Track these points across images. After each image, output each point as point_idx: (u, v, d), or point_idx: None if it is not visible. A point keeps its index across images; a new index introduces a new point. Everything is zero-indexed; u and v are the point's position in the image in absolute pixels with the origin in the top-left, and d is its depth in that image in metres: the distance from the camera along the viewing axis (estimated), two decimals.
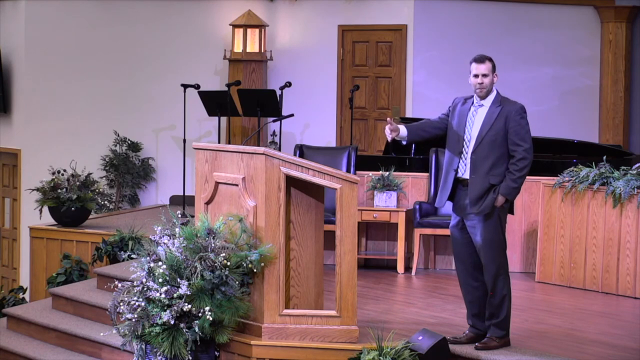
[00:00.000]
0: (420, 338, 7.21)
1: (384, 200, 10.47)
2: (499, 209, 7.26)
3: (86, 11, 14.05)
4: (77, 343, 9.00)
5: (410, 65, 13.74)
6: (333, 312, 7.49)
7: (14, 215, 14.33)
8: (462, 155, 7.32)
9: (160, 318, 7.22)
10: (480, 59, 7.29)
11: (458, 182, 7.36)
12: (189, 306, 7.21)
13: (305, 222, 7.61)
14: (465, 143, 7.30)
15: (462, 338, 7.49)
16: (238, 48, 13.93)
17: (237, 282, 7.31)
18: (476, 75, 7.27)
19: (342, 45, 14.12)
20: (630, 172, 9.53)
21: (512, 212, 7.46)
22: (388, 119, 7.40)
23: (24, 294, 11.19)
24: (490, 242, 7.27)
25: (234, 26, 13.97)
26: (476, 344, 7.37)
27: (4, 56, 14.25)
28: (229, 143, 13.50)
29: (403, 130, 7.38)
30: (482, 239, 7.27)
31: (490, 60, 7.31)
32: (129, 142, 14.08)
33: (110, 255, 10.63)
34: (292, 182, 7.51)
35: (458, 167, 7.33)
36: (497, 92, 7.35)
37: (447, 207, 10.05)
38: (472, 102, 7.35)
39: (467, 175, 7.29)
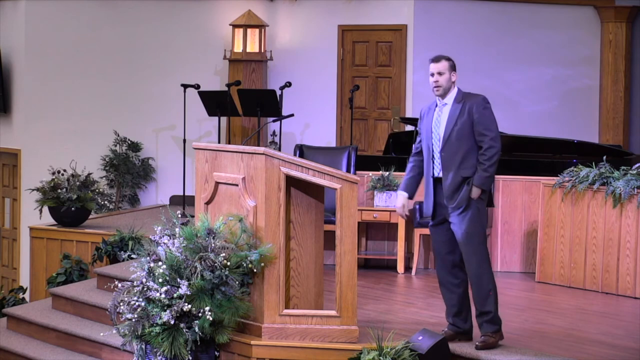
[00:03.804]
0: (420, 338, 7.22)
1: (384, 200, 10.47)
2: (477, 201, 7.31)
3: (86, 11, 14.05)
4: (77, 343, 9.01)
5: (410, 65, 13.74)
6: (333, 312, 7.50)
7: (14, 215, 14.34)
8: (435, 157, 7.40)
9: (160, 318, 7.22)
10: (436, 59, 7.39)
11: (436, 183, 7.42)
12: (189, 306, 7.21)
13: (305, 222, 7.61)
14: (436, 143, 7.39)
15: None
16: (238, 48, 13.93)
17: (237, 282, 7.32)
18: (432, 74, 7.37)
19: (342, 45, 14.12)
20: (630, 172, 9.53)
21: (492, 205, 7.51)
22: (405, 215, 7.58)
23: (24, 294, 11.19)
24: (470, 236, 7.30)
25: (234, 26, 13.97)
26: (476, 343, 7.36)
27: (4, 56, 14.25)
28: (229, 143, 13.51)
29: (408, 202, 7.57)
30: (462, 233, 7.31)
31: (448, 59, 7.38)
32: (129, 142, 14.08)
33: (110, 255, 10.63)
34: (292, 182, 7.51)
35: (433, 169, 7.42)
36: (459, 89, 7.42)
37: None
38: (436, 105, 7.45)
39: (441, 174, 7.36)
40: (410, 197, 7.60)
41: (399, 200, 7.59)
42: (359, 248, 10.63)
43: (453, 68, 7.38)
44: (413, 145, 7.75)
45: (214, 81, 14.17)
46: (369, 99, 14.03)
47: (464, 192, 7.29)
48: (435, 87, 7.37)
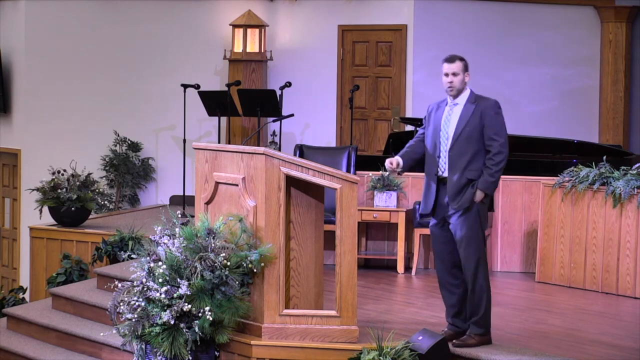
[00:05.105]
0: (420, 338, 7.22)
1: (384, 200, 10.47)
2: (479, 204, 7.32)
3: (86, 11, 14.06)
4: (77, 343, 9.01)
5: (410, 65, 13.74)
6: (333, 312, 7.50)
7: (14, 215, 14.34)
8: (441, 155, 7.39)
9: (160, 318, 7.22)
10: (450, 59, 7.38)
11: (440, 182, 7.41)
12: (189, 306, 7.21)
13: (305, 222, 7.61)
14: (443, 142, 7.38)
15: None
16: (238, 48, 13.93)
17: (237, 282, 7.32)
18: (446, 74, 7.36)
19: (342, 45, 14.12)
20: (630, 172, 9.53)
21: (491, 209, 7.52)
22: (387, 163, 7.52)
23: (24, 294, 11.19)
24: (469, 238, 7.31)
25: (234, 26, 13.98)
26: (454, 340, 7.37)
27: (4, 56, 14.25)
28: (229, 143, 13.50)
29: (401, 161, 7.53)
30: (461, 235, 7.32)
31: (462, 59, 7.38)
32: (129, 142, 14.08)
33: (110, 255, 10.63)
34: (292, 182, 7.51)
35: (438, 167, 7.41)
36: (471, 91, 7.43)
37: None
38: (447, 103, 7.45)
39: (446, 173, 7.36)
40: (403, 167, 7.54)
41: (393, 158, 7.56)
42: (359, 248, 10.63)
43: (466, 68, 7.38)
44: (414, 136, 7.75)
45: (214, 81, 14.17)
46: (369, 99, 14.03)
47: (467, 195, 7.29)
48: (449, 87, 7.36)
